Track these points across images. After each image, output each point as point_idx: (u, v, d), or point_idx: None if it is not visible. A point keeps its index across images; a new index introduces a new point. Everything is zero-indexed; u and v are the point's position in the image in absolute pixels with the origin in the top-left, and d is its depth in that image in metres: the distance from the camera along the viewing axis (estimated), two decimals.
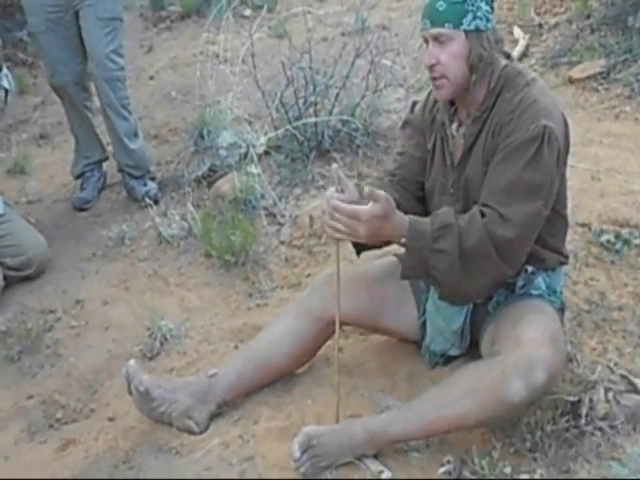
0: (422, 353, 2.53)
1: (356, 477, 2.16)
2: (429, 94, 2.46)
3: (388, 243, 2.31)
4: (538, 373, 2.04)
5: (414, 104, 2.53)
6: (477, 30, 2.18)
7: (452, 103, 2.35)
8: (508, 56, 2.32)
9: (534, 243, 2.25)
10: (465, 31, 2.17)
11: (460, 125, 2.33)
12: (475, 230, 2.12)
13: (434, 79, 2.25)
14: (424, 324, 2.49)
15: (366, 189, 2.09)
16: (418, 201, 2.45)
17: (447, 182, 2.36)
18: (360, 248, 2.41)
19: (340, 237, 2.14)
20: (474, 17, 2.17)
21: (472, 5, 2.16)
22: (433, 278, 2.19)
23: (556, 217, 2.32)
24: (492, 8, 2.22)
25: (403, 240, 2.13)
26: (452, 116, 2.35)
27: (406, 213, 2.17)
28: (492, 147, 2.22)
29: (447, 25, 2.17)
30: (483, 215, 2.14)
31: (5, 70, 3.46)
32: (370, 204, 2.07)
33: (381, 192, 2.07)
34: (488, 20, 2.19)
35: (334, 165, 2.17)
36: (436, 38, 2.20)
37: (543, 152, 2.12)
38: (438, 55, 2.20)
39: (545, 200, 2.16)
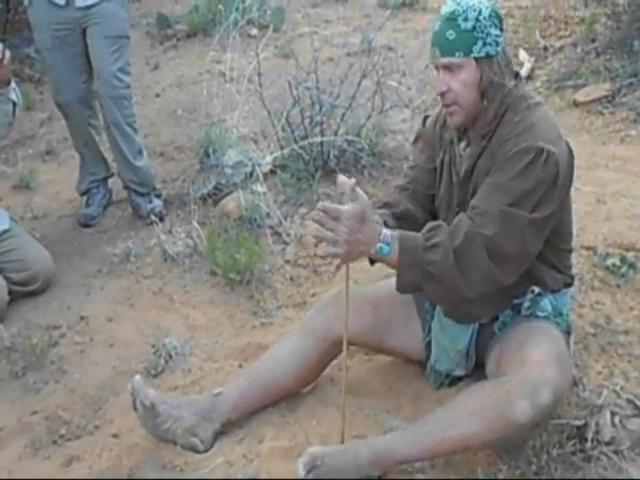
0: (427, 373, 2.53)
1: None
2: (441, 109, 2.46)
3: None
4: (543, 393, 2.04)
5: (425, 118, 2.54)
6: (488, 56, 2.19)
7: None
8: (516, 75, 2.31)
9: (540, 263, 2.26)
10: (475, 58, 2.18)
11: (468, 145, 2.33)
12: (462, 228, 2.12)
13: (446, 106, 2.26)
14: (429, 344, 2.49)
15: (355, 187, 2.08)
16: (432, 215, 2.43)
17: (452, 199, 2.37)
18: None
19: (324, 252, 2.07)
20: (484, 44, 2.17)
21: (482, 32, 2.17)
22: (430, 277, 2.12)
23: (560, 242, 2.32)
24: (501, 30, 2.22)
25: (390, 252, 2.10)
26: (462, 134, 2.36)
27: (422, 226, 2.19)
28: (491, 166, 2.22)
29: (457, 54, 2.18)
30: (469, 217, 2.15)
31: (13, 84, 3.48)
32: (349, 204, 2.07)
33: (363, 194, 2.08)
34: (498, 44, 2.20)
35: (340, 176, 2.15)
36: (447, 67, 2.21)
37: (536, 168, 2.11)
38: (449, 83, 2.21)
39: (530, 209, 2.12)
